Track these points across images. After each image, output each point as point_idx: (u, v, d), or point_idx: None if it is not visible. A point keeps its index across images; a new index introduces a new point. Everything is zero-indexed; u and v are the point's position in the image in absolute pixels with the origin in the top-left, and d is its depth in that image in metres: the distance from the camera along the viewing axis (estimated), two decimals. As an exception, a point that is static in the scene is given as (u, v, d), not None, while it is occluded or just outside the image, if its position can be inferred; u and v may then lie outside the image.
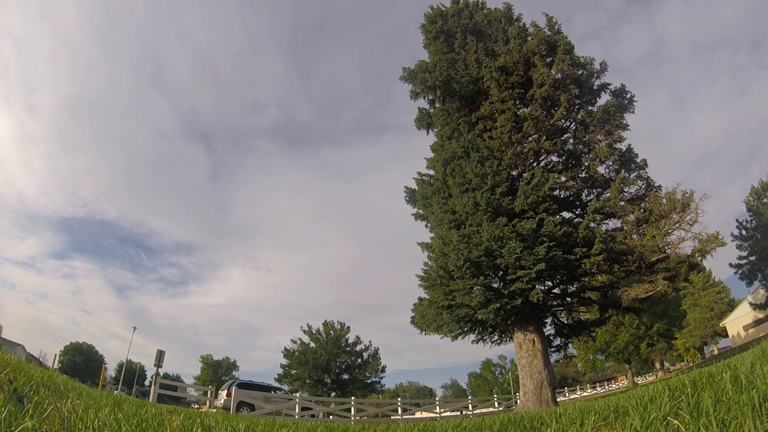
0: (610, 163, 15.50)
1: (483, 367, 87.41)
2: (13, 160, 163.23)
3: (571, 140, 16.39)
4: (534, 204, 14.45)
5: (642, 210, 14.71)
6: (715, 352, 46.68)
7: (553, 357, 18.60)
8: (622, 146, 15.45)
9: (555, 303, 16.69)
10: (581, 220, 15.27)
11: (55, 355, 57.33)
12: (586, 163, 15.87)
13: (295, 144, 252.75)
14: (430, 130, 19.66)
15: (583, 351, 47.86)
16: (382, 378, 43.71)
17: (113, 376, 72.15)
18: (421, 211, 19.39)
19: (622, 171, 15.26)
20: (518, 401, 16.40)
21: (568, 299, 17.01)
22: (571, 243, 14.20)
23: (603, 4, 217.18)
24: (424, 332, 16.92)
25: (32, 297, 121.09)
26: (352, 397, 19.97)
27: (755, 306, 37.82)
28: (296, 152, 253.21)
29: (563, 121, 16.17)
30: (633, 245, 14.09)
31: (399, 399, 23.24)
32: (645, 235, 13.92)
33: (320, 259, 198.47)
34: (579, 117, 15.82)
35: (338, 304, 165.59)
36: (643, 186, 15.23)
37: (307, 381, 40.71)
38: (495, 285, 14.84)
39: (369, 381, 42.84)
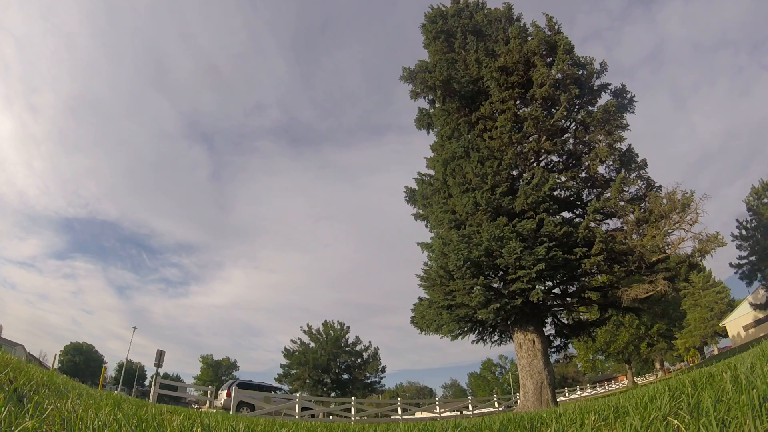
0: (611, 163, 15.50)
1: (483, 367, 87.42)
2: (14, 160, 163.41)
3: (572, 140, 16.38)
4: (534, 204, 14.44)
5: (642, 210, 14.71)
6: (715, 352, 46.70)
7: (553, 357, 18.60)
8: (623, 146, 15.46)
9: (555, 303, 16.68)
10: (581, 220, 15.27)
11: (55, 355, 57.38)
12: (587, 163, 15.87)
13: (297, 144, 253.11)
14: (430, 130, 19.65)
15: (583, 351, 47.78)
16: (382, 378, 43.83)
17: (113, 376, 72.20)
18: (421, 211, 19.39)
19: (623, 171, 15.26)
20: (518, 401, 16.40)
21: (568, 299, 17.00)
22: (571, 243, 14.19)
23: (604, 5, 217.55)
24: (424, 332, 16.92)
25: (33, 297, 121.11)
26: (352, 397, 19.97)
27: (755, 306, 37.81)
28: (298, 153, 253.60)
29: (563, 121, 16.16)
30: (633, 245, 14.08)
31: (399, 399, 23.25)
32: (645, 235, 13.92)
33: (321, 259, 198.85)
34: (579, 117, 15.81)
35: (338, 304, 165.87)
36: (643, 186, 15.23)
37: (307, 381, 40.73)
38: (495, 285, 14.84)
39: (369, 381, 42.88)
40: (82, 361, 78.07)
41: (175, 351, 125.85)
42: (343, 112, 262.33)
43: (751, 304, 38.76)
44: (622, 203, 14.87)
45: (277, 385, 32.54)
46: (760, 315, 38.51)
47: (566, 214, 16.63)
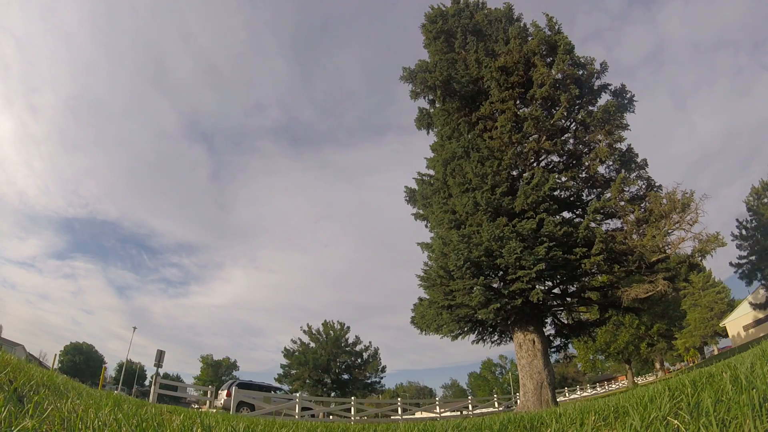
0: (611, 163, 15.49)
1: (483, 367, 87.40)
2: (14, 160, 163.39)
3: (572, 140, 16.38)
4: (534, 204, 14.44)
5: (642, 210, 14.70)
6: (715, 352, 46.67)
7: (553, 357, 18.61)
8: (623, 146, 15.45)
9: (555, 303, 16.68)
10: (581, 220, 15.26)
11: (55, 355, 57.39)
12: (587, 163, 15.87)
13: (297, 144, 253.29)
14: (430, 130, 19.65)
15: (583, 351, 47.77)
16: (382, 378, 43.79)
17: (113, 376, 72.18)
18: (421, 211, 19.38)
19: (623, 171, 15.26)
20: (518, 401, 16.40)
21: (568, 299, 17.00)
22: (571, 243, 14.19)
23: (604, 5, 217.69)
24: (424, 332, 16.91)
25: (33, 297, 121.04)
26: (352, 397, 19.96)
27: (755, 306, 37.80)
28: (298, 153, 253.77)
29: (563, 121, 16.16)
30: (633, 245, 14.08)
31: (399, 399, 23.24)
32: (645, 235, 13.92)
33: (321, 259, 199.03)
34: (579, 117, 15.81)
35: (338, 304, 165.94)
36: (643, 186, 15.22)
37: (307, 381, 40.71)
38: (495, 285, 14.83)
39: (369, 381, 42.85)
40: (82, 361, 78.00)
41: (175, 351, 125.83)
42: (343, 112, 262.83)
43: (751, 304, 38.74)
44: (622, 203, 14.87)
45: (277, 385, 32.53)
46: (760, 315, 38.48)
47: (566, 214, 16.62)
